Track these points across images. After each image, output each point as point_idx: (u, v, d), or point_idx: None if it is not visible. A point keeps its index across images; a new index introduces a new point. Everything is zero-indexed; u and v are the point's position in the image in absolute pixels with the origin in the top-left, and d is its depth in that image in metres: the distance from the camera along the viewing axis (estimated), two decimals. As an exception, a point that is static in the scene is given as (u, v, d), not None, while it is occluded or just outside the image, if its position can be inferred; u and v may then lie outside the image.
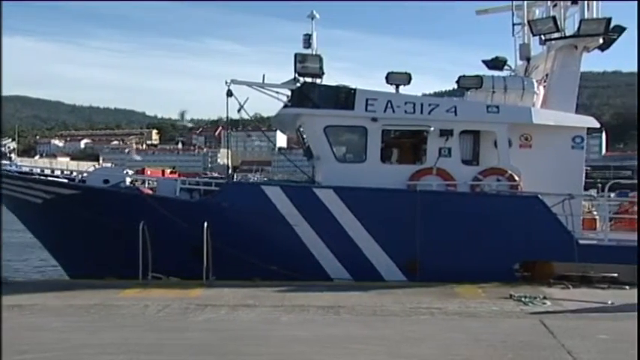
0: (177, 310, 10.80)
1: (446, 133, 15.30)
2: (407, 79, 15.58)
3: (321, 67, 15.56)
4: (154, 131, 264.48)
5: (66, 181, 16.04)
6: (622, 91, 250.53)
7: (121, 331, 9.31)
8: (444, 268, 13.58)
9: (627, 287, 13.29)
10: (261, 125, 32.86)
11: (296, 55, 15.51)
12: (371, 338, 9.02)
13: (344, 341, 8.82)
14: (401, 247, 14.16)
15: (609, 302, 11.64)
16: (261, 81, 15.64)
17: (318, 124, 15.48)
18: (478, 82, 15.91)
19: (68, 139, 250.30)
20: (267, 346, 8.58)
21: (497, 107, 15.42)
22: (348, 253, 14.32)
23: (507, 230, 14.20)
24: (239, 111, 15.69)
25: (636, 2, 16.80)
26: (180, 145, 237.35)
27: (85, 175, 16.33)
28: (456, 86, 16.56)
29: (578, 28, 16.17)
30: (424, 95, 22.75)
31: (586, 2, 16.43)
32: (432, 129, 15.28)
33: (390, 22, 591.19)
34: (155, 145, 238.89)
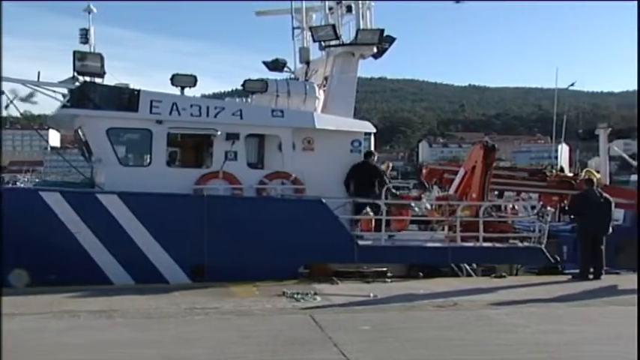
0: None
1: (232, 137, 15.32)
2: (193, 81, 15.38)
3: (102, 66, 14.84)
4: None
5: None
6: (387, 96, 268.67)
7: None
8: (231, 272, 13.58)
9: (389, 280, 14.48)
10: (33, 123, 30.80)
11: (75, 53, 14.67)
12: (144, 341, 8.88)
13: (116, 346, 8.57)
14: (188, 252, 14.00)
15: (371, 295, 12.43)
16: (35, 78, 14.61)
17: (99, 126, 14.79)
18: (263, 86, 16.15)
19: None
20: (32, 356, 8.11)
21: (282, 111, 15.74)
22: (133, 261, 13.84)
23: (293, 233, 14.49)
24: (7, 107, 14.52)
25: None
26: None
27: None
28: (235, 87, 16.68)
29: (355, 36, 16.97)
30: (203, 96, 22.67)
31: (360, 11, 17.30)
32: (218, 132, 15.23)
33: (169, 22, 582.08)
34: None
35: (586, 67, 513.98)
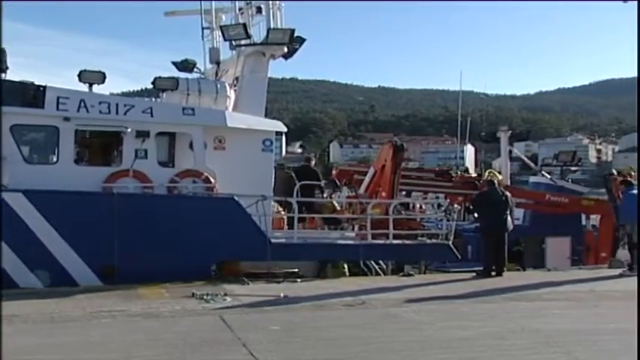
0: None
1: (142, 135, 15.06)
2: (101, 78, 15.08)
3: (4, 62, 14.33)
4: None
5: None
6: (298, 97, 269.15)
7: None
8: (143, 271, 13.42)
9: (299, 280, 14.63)
10: None
11: None
12: (48, 347, 8.61)
13: (19, 353, 8.20)
14: (97, 251, 13.71)
15: (282, 295, 12.51)
16: None
17: (2, 123, 14.26)
18: (174, 84, 15.97)
19: None
20: None
21: (193, 110, 15.60)
22: (40, 261, 13.45)
23: (205, 231, 14.48)
24: None
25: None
26: None
27: None
28: (145, 87, 16.48)
29: (266, 36, 17.00)
30: (112, 94, 22.26)
31: (271, 11, 17.36)
32: (128, 130, 14.96)
33: (76, 19, 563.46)
34: None
35: (490, 70, 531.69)
